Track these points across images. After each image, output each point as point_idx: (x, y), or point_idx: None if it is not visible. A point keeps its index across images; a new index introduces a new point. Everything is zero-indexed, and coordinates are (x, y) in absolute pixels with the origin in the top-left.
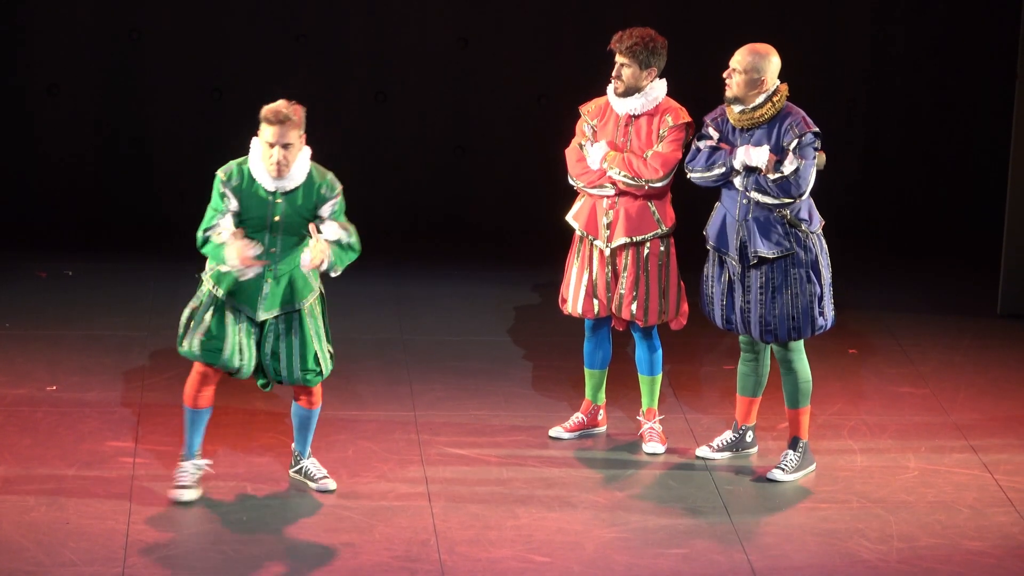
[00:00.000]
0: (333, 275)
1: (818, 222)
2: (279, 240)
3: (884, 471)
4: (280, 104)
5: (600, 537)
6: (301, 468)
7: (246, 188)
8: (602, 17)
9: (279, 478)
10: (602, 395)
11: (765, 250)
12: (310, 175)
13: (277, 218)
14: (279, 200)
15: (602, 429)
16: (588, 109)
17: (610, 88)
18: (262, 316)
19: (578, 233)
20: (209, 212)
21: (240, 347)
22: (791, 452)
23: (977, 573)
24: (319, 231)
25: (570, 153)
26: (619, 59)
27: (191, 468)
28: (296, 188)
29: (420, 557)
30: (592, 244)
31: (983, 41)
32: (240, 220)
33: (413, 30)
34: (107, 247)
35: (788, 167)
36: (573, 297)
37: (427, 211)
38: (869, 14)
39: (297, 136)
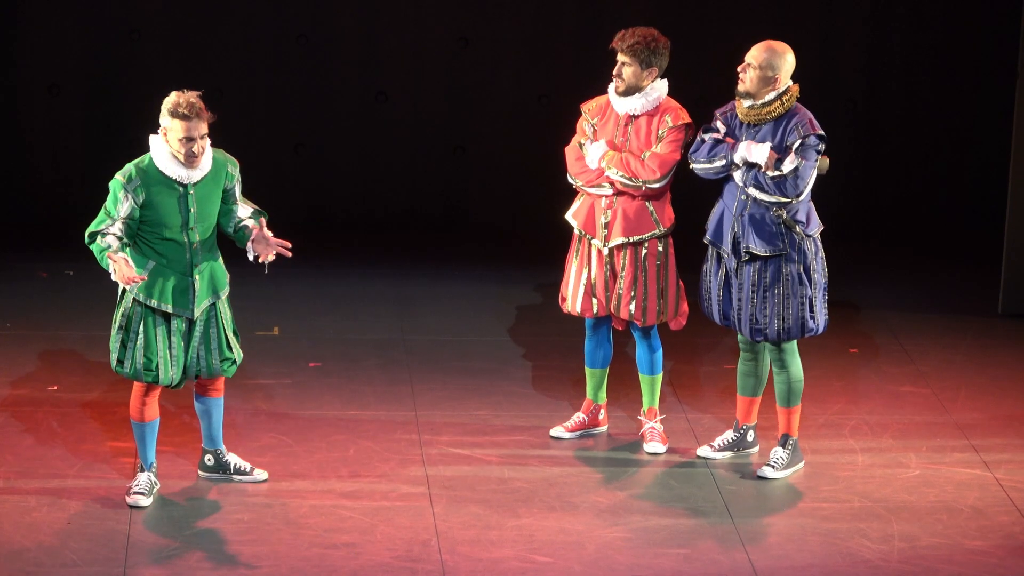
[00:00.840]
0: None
1: (816, 227)
2: (197, 232)
3: (885, 470)
4: (187, 96)
5: (601, 537)
6: (227, 465)
7: (152, 188)
8: (602, 17)
9: (280, 478)
10: (603, 394)
11: (756, 247)
12: (215, 159)
13: (193, 210)
14: (191, 192)
15: (603, 429)
16: (589, 107)
17: (611, 87)
18: (197, 313)
19: (576, 232)
20: (101, 215)
21: (171, 358)
22: (780, 449)
23: (978, 573)
24: (237, 215)
25: (569, 151)
26: (620, 58)
27: (146, 479)
28: (204, 176)
29: (421, 557)
30: (591, 243)
31: (983, 40)
32: (152, 224)
33: (413, 29)
34: None
35: (787, 166)
36: (572, 296)
37: (427, 210)
38: (867, 14)
39: (206, 124)
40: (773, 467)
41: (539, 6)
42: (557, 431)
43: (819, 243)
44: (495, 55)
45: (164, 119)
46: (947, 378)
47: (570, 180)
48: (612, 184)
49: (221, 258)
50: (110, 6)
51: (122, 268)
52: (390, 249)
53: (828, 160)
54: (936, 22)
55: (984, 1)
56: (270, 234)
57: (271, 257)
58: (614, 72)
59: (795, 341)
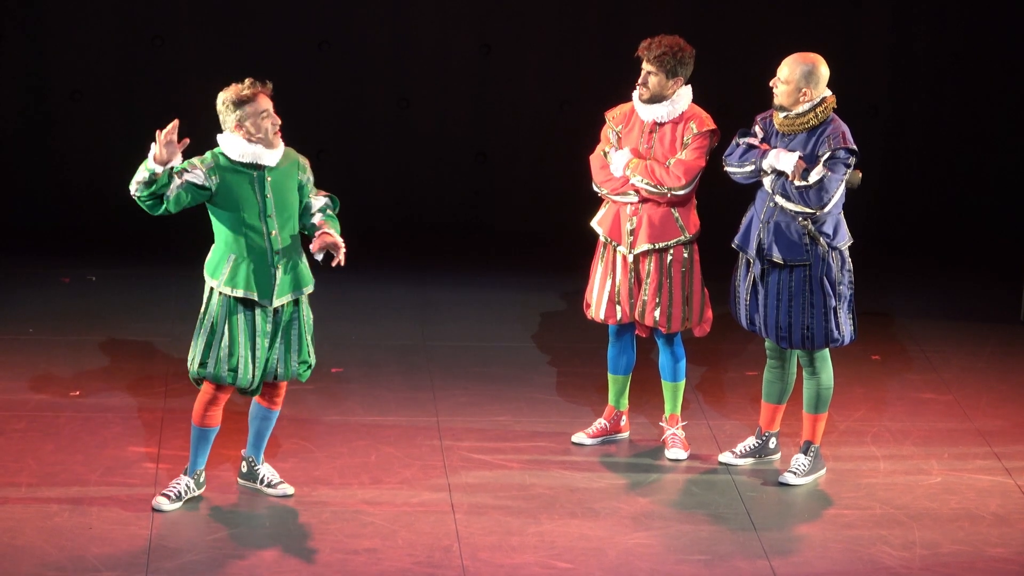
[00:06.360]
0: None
1: (844, 239)
2: (274, 221)
3: (907, 477)
4: (243, 83)
5: (622, 543)
6: (257, 475)
7: (227, 175)
8: (624, 23)
9: (302, 483)
10: (625, 401)
11: (778, 255)
12: (286, 151)
13: (269, 196)
14: (267, 177)
15: (625, 435)
16: (613, 115)
17: (635, 94)
18: (277, 302)
19: (602, 239)
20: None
21: (253, 359)
22: (802, 456)
23: None
24: (312, 209)
25: (594, 160)
26: (646, 67)
27: (185, 482)
28: (279, 163)
29: (442, 563)
30: (616, 250)
31: (1005, 47)
32: (231, 211)
33: (435, 36)
34: (129, 253)
35: (813, 177)
36: (596, 302)
37: (449, 217)
38: (890, 22)
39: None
40: (795, 474)
41: (561, 13)
42: (579, 437)
43: (846, 256)
44: (517, 61)
45: (232, 112)
46: (969, 385)
47: (595, 188)
48: (637, 191)
49: (305, 259)
50: (133, 13)
51: (161, 137)
52: (412, 255)
53: (860, 174)
54: (958, 28)
55: (1008, 6)
56: (333, 233)
57: (328, 254)
58: (639, 81)
59: (826, 349)
